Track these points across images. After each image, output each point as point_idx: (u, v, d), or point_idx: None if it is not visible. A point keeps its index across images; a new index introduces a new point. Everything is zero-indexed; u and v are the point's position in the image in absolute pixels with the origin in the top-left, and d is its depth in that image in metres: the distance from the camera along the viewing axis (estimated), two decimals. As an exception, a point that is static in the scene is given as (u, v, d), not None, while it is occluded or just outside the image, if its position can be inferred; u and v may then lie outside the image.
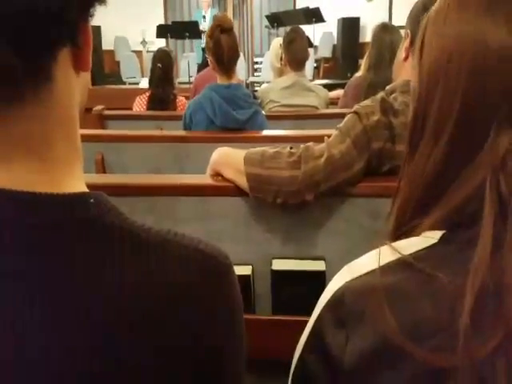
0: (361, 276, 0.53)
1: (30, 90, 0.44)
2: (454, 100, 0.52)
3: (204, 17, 7.36)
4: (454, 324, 0.44)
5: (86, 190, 0.49)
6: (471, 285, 0.45)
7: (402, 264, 0.51)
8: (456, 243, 0.50)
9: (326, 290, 0.56)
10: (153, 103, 3.30)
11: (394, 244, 0.53)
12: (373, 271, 0.52)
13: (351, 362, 0.50)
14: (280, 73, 3.01)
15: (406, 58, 1.32)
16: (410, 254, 0.51)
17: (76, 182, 0.49)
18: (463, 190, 0.51)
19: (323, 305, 0.55)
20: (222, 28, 2.20)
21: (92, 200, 0.47)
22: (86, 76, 0.52)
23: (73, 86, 0.49)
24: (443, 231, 0.52)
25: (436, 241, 0.52)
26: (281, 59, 2.98)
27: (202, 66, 6.68)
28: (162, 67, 3.29)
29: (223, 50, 2.20)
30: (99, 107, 2.84)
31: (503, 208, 0.47)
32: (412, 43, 1.28)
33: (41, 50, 0.43)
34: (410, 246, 0.53)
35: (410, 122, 0.59)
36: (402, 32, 1.40)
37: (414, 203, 0.56)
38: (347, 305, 0.52)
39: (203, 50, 6.08)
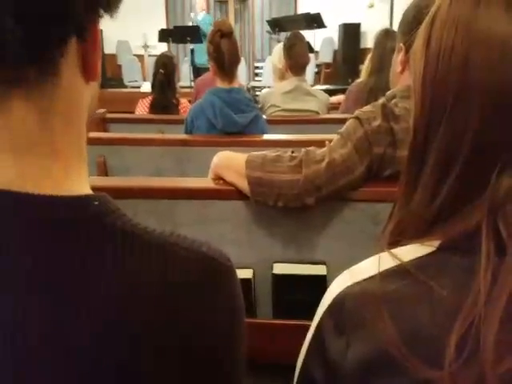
0: (361, 281, 0.53)
1: (35, 80, 0.43)
2: (464, 138, 0.50)
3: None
4: (446, 340, 0.45)
5: (90, 191, 0.49)
6: (463, 318, 0.45)
7: (401, 271, 0.51)
8: (454, 252, 0.50)
9: (326, 293, 0.57)
10: (155, 109, 3.27)
11: (393, 250, 0.53)
12: (373, 277, 0.52)
13: (351, 368, 0.51)
14: (282, 75, 3.01)
15: (403, 70, 1.32)
16: (410, 261, 0.52)
17: (80, 183, 0.49)
18: (462, 226, 0.50)
19: (324, 309, 0.55)
20: (222, 33, 2.20)
21: (96, 202, 0.47)
22: (95, 86, 0.52)
23: (80, 88, 0.48)
24: (441, 240, 0.52)
25: (435, 248, 0.52)
26: None
27: (201, 69, 6.74)
28: (165, 73, 3.26)
29: (224, 54, 2.20)
30: (101, 110, 2.85)
31: (500, 247, 0.47)
32: (407, 55, 1.28)
33: (47, 43, 0.43)
34: (409, 252, 0.53)
35: (409, 149, 0.57)
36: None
37: (412, 232, 0.56)
38: (347, 311, 0.52)
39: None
